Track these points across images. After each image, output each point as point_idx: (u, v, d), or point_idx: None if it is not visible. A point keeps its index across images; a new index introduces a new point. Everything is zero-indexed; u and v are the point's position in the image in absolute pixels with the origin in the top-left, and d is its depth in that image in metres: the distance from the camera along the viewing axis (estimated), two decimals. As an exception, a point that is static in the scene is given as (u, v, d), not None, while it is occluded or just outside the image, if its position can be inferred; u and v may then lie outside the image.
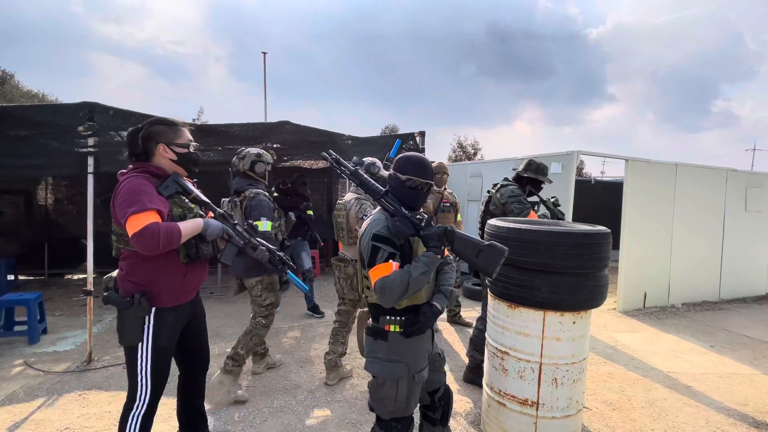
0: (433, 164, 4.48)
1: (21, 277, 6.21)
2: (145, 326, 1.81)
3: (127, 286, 1.81)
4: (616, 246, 5.34)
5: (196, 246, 1.85)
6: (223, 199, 3.22)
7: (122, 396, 2.94)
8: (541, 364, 2.22)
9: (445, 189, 4.57)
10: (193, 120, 19.78)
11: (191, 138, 1.96)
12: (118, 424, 1.90)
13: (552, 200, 3.46)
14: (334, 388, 3.14)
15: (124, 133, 3.87)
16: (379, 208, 1.79)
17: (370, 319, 1.80)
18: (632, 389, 3.29)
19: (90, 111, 3.43)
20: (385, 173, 3.27)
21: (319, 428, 2.64)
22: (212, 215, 1.99)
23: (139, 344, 1.82)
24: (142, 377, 1.85)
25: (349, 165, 1.85)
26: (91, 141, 3.45)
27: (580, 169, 25.25)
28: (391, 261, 1.61)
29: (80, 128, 3.40)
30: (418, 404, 1.98)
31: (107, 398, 2.93)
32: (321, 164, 7.25)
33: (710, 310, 5.73)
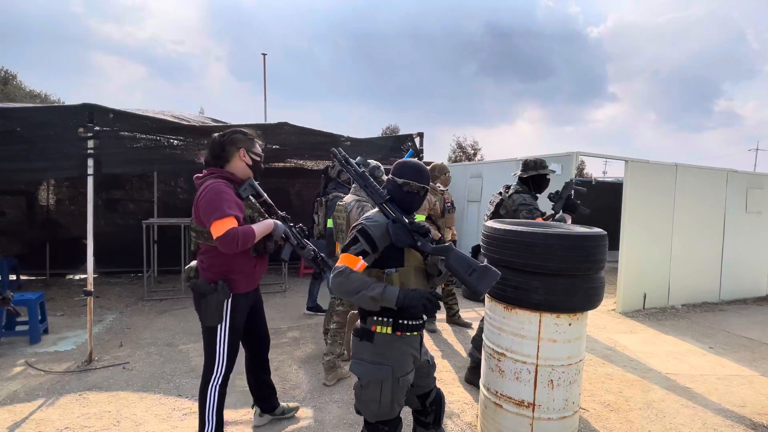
0: (438, 164, 4.53)
1: (23, 277, 6.24)
2: (224, 309, 2.10)
3: (208, 275, 2.11)
4: (616, 247, 5.35)
5: (264, 243, 2.16)
6: (317, 198, 4.08)
7: (122, 396, 2.99)
8: (537, 365, 2.23)
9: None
10: (195, 120, 19.78)
11: (261, 151, 2.28)
12: (198, 395, 2.20)
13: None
14: (333, 389, 3.16)
15: (124, 134, 3.90)
16: (378, 209, 1.82)
17: (359, 321, 1.82)
18: (630, 390, 3.29)
19: (90, 113, 3.45)
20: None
21: (316, 429, 2.65)
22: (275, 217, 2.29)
23: (220, 324, 2.11)
24: (219, 353, 2.14)
25: (356, 166, 1.88)
26: (90, 143, 3.46)
27: (581, 170, 25.21)
28: (360, 257, 1.65)
29: (80, 130, 3.42)
30: (411, 409, 1.99)
31: (107, 398, 2.95)
32: (321, 165, 7.27)
33: (710, 312, 5.73)
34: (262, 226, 2.10)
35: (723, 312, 5.74)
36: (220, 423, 2.19)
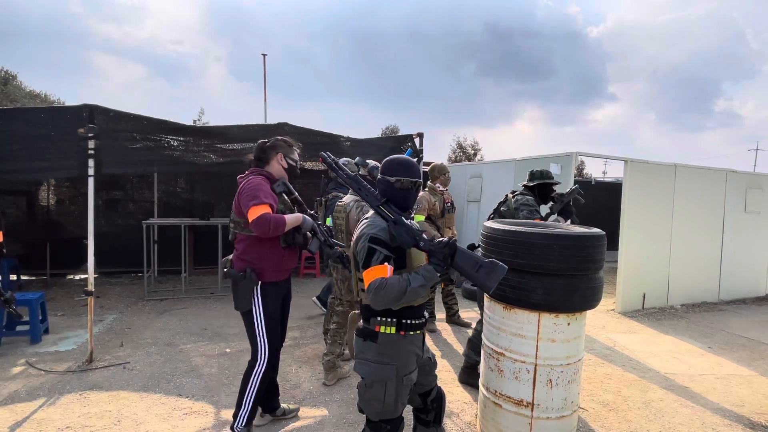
0: (438, 164, 4.54)
1: (23, 277, 6.25)
2: (254, 295, 2.33)
3: (240, 263, 2.35)
4: (615, 247, 5.36)
5: (293, 235, 2.39)
6: (317, 198, 4.19)
7: (122, 395, 3.00)
8: (536, 365, 2.24)
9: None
10: (194, 121, 19.84)
11: (298, 158, 2.56)
12: (240, 382, 2.41)
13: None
14: (332, 389, 3.17)
15: (124, 134, 3.90)
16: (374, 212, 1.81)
17: (361, 321, 1.82)
18: (629, 390, 3.30)
19: (90, 113, 3.46)
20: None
21: (316, 428, 2.66)
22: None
23: (253, 310, 2.34)
24: (260, 338, 2.36)
25: (347, 170, 1.87)
26: (91, 143, 3.47)
27: (580, 170, 25.21)
28: (386, 264, 1.62)
29: (80, 130, 3.43)
30: (411, 407, 1.99)
31: (108, 398, 2.96)
32: (321, 165, 7.27)
33: (709, 311, 5.74)
34: (292, 217, 2.33)
35: (722, 312, 5.75)
36: (254, 410, 2.40)
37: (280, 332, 2.55)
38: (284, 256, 2.42)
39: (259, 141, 2.50)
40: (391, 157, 1.86)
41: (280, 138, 2.51)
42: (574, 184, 3.71)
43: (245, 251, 2.35)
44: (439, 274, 1.64)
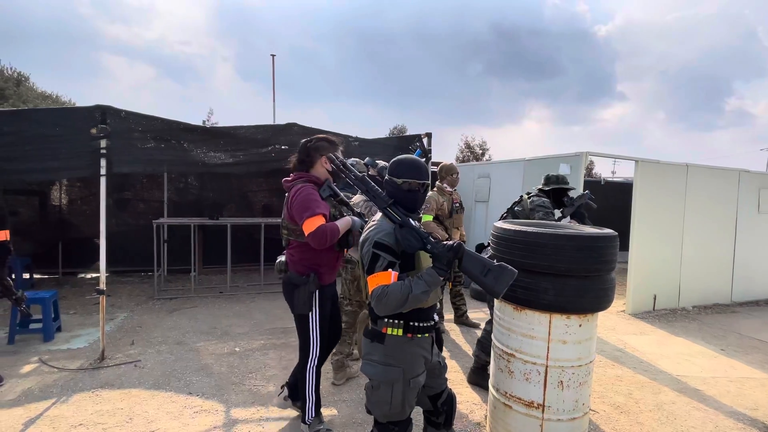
0: (446, 165, 4.53)
1: (36, 276, 6.34)
2: (314, 299, 2.36)
3: (299, 267, 2.38)
4: (626, 247, 5.31)
5: (346, 239, 2.39)
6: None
7: (134, 393, 3.03)
8: (547, 366, 2.22)
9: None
10: (204, 121, 19.98)
11: (342, 157, 2.45)
12: (299, 378, 2.52)
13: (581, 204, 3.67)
14: (341, 389, 3.17)
15: (135, 134, 3.94)
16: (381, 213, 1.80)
17: (369, 321, 1.82)
18: (640, 392, 3.27)
19: (102, 114, 3.51)
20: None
21: (326, 428, 2.66)
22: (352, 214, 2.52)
23: (311, 313, 2.37)
24: (313, 338, 2.41)
25: (355, 170, 1.87)
26: (103, 143, 3.52)
27: (590, 170, 25.00)
28: (390, 270, 1.61)
29: (93, 130, 3.48)
30: (422, 409, 1.99)
31: (119, 395, 2.99)
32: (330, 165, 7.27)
33: (721, 313, 5.67)
34: (342, 223, 2.35)
35: (734, 314, 5.68)
36: (318, 398, 2.50)
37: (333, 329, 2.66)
38: (338, 259, 2.50)
39: (302, 141, 2.48)
40: (398, 157, 1.85)
41: (322, 137, 2.47)
42: (585, 190, 3.75)
43: (303, 257, 2.38)
44: (442, 278, 1.62)
